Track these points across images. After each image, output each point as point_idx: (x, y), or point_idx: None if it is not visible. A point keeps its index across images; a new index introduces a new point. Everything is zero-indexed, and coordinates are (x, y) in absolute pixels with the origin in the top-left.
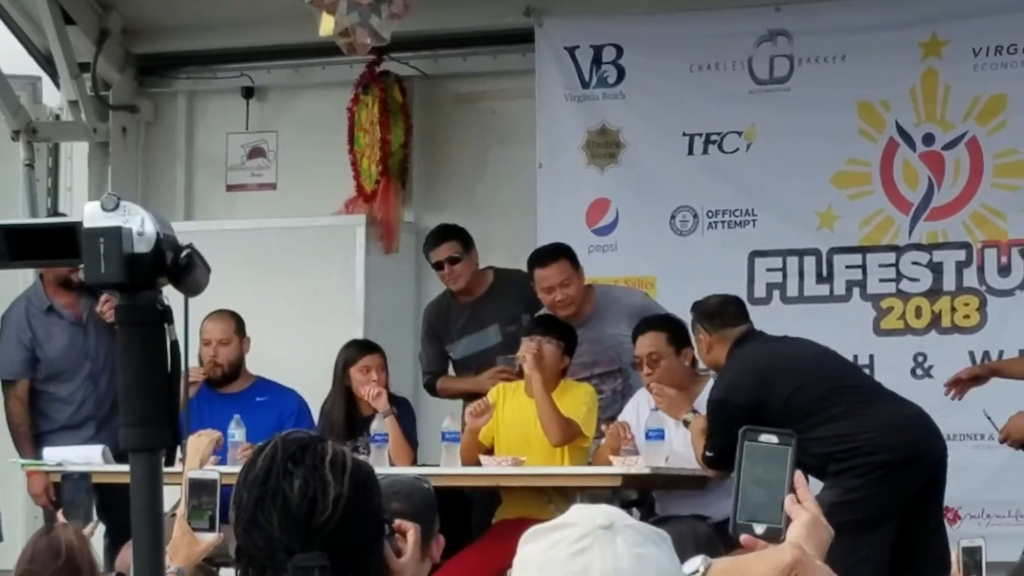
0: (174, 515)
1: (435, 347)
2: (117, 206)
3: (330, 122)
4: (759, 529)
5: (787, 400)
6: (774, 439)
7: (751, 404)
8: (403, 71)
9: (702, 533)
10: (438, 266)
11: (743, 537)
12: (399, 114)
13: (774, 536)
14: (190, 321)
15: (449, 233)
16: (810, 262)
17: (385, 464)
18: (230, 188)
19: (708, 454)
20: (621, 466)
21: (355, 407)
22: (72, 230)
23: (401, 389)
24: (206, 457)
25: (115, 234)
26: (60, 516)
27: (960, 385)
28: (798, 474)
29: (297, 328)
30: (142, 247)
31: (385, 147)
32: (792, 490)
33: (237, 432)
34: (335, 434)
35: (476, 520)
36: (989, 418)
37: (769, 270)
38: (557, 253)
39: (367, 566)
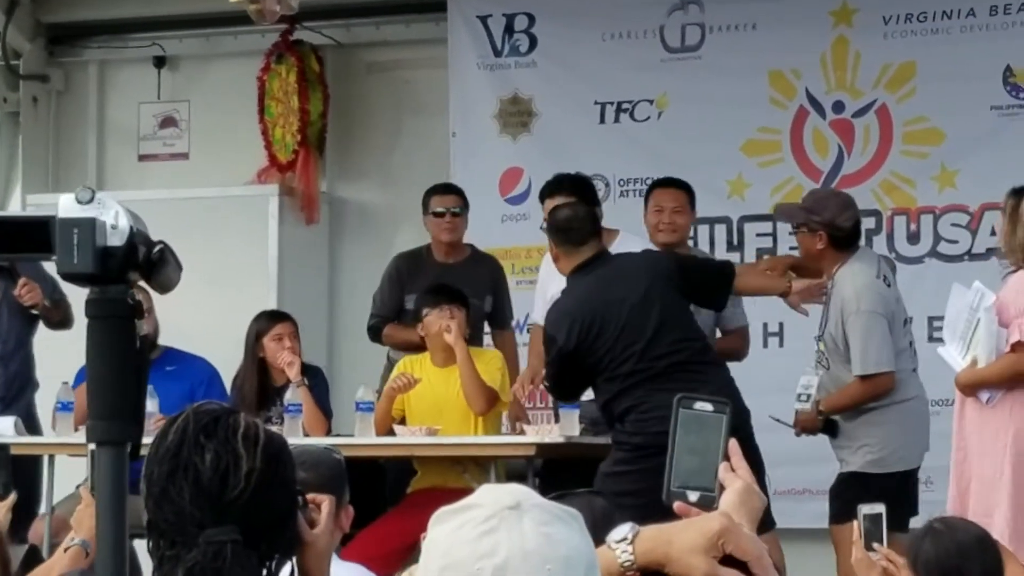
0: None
1: (395, 293)
2: (92, 199)
3: (242, 91)
4: (693, 496)
5: (599, 360)
6: (709, 407)
7: (572, 349)
8: (316, 40)
9: (598, 508)
10: (438, 214)
11: (676, 504)
12: (317, 84)
13: (708, 504)
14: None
15: (452, 187)
16: (721, 230)
17: (299, 434)
18: (142, 158)
19: (545, 383)
20: (535, 435)
21: (268, 378)
22: (45, 224)
23: (315, 359)
24: None
25: (89, 225)
26: None
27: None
28: (732, 442)
29: (210, 299)
30: (115, 240)
31: (304, 117)
32: (726, 458)
33: (149, 403)
34: (247, 405)
35: (390, 491)
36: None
37: None
38: (681, 183)
39: (280, 539)
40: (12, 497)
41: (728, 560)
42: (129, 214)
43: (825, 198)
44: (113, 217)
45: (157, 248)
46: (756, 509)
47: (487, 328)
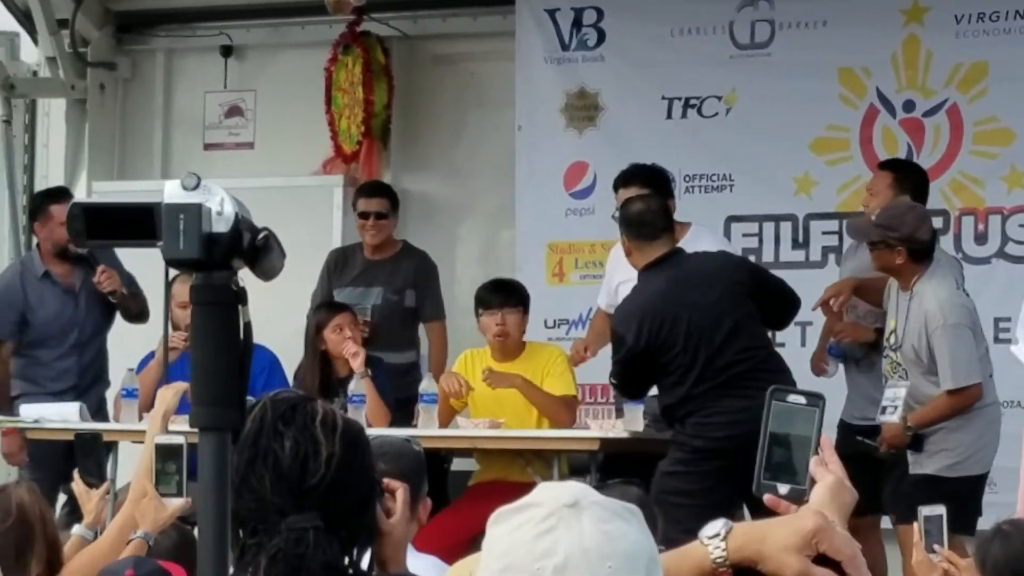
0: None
1: (324, 288)
2: (197, 185)
3: (308, 82)
4: (783, 489)
5: (667, 362)
6: (802, 400)
7: (641, 349)
8: (383, 31)
9: (633, 496)
10: (363, 216)
11: (766, 497)
12: (382, 75)
13: (797, 497)
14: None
15: (380, 190)
16: (786, 228)
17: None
18: (207, 147)
19: (611, 380)
20: (599, 430)
21: (330, 369)
22: (150, 211)
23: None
24: (171, 409)
25: (195, 211)
26: (76, 476)
27: (825, 306)
28: (824, 436)
29: (274, 288)
30: (220, 226)
31: (368, 108)
32: (818, 452)
33: None
34: None
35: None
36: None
37: (745, 235)
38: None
39: (360, 526)
40: (105, 486)
41: (821, 559)
42: (234, 201)
43: (902, 213)
44: (219, 203)
45: (262, 235)
46: (847, 504)
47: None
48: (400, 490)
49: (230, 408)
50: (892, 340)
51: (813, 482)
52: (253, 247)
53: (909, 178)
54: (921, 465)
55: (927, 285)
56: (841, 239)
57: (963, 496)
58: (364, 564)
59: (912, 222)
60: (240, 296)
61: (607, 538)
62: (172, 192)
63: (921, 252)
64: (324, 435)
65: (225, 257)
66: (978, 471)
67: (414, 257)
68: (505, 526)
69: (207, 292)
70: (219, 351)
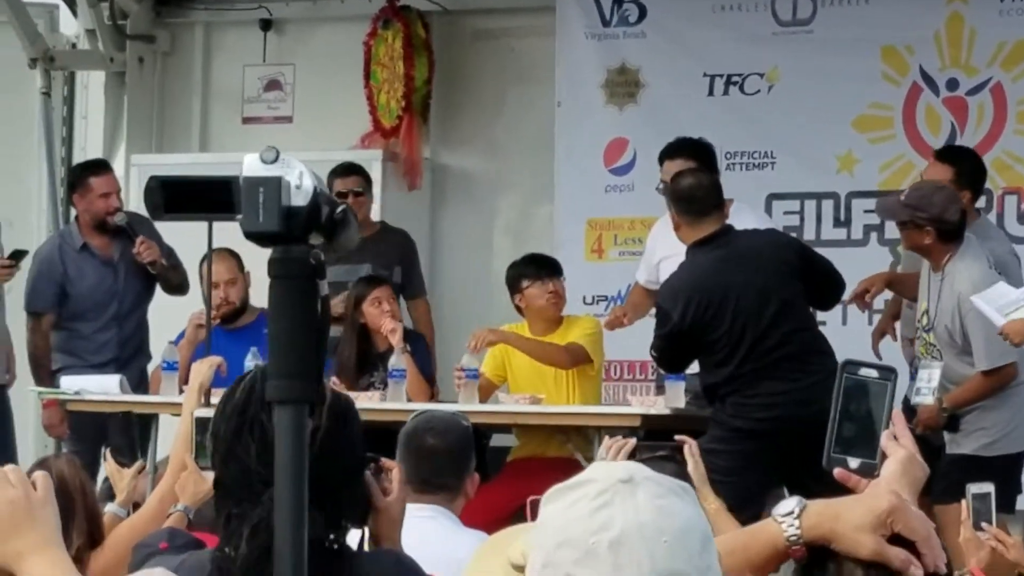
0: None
1: None
2: (276, 158)
3: (348, 56)
4: (853, 463)
5: (712, 341)
6: (874, 374)
7: (687, 327)
8: (423, 6)
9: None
10: (341, 195)
11: (836, 471)
12: (423, 50)
13: (868, 471)
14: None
15: (354, 168)
16: (828, 206)
17: (403, 400)
18: (246, 120)
19: (652, 353)
20: (640, 407)
21: (368, 343)
22: (228, 184)
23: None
24: (207, 383)
25: (275, 185)
26: (107, 455)
27: (859, 299)
28: (896, 410)
29: None
30: (299, 200)
31: (409, 83)
32: (889, 426)
33: (249, 365)
34: (347, 371)
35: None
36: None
37: (786, 213)
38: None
39: (347, 499)
40: (139, 464)
41: (896, 539)
42: (312, 175)
43: (930, 193)
44: (297, 177)
45: (340, 209)
46: (918, 479)
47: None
48: (396, 469)
49: (307, 380)
50: (924, 321)
51: (884, 456)
52: (331, 220)
53: (965, 173)
54: (958, 445)
55: (959, 265)
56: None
57: (1001, 474)
58: (355, 540)
59: (940, 203)
60: (318, 270)
61: (662, 513)
62: (251, 165)
63: (950, 232)
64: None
65: (304, 231)
66: (1016, 449)
67: (398, 235)
68: (560, 503)
69: (285, 266)
70: (296, 324)
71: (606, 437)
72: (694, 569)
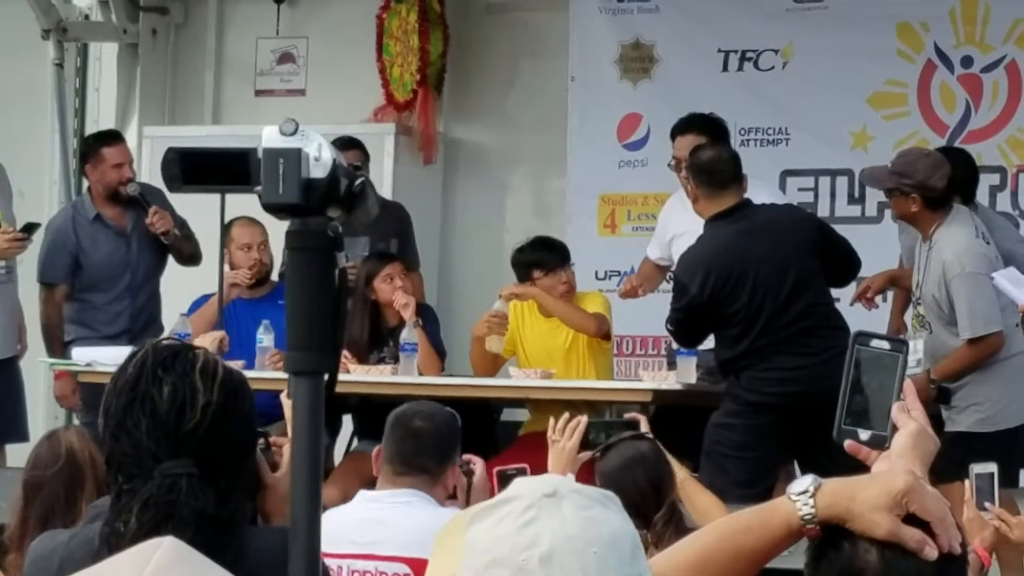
0: None
1: None
2: (296, 130)
3: (361, 29)
4: (864, 435)
5: (729, 315)
6: (886, 345)
7: (704, 301)
8: None
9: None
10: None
11: (847, 443)
12: (437, 24)
13: (879, 444)
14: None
15: (352, 143)
16: (842, 182)
17: (414, 373)
18: (259, 93)
19: (669, 326)
20: (652, 382)
21: (379, 318)
22: (246, 156)
23: (427, 298)
24: None
25: (295, 156)
26: None
27: (864, 299)
28: (907, 382)
29: None
30: (318, 172)
31: (424, 57)
32: (901, 398)
33: (266, 337)
34: (358, 346)
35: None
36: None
37: (801, 189)
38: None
39: (237, 474)
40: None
41: (911, 519)
42: (331, 147)
43: (914, 160)
44: (316, 149)
45: (359, 181)
46: (929, 453)
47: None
48: (286, 445)
49: (324, 352)
50: (918, 293)
51: (895, 429)
52: (350, 193)
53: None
54: (955, 422)
55: (944, 233)
56: None
57: (1001, 450)
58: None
59: (925, 169)
60: (336, 242)
61: (590, 523)
62: (270, 137)
63: (936, 200)
64: (203, 382)
65: (322, 203)
66: (1013, 423)
67: (394, 208)
68: (486, 522)
69: (303, 238)
70: (314, 297)
71: (562, 418)
72: None
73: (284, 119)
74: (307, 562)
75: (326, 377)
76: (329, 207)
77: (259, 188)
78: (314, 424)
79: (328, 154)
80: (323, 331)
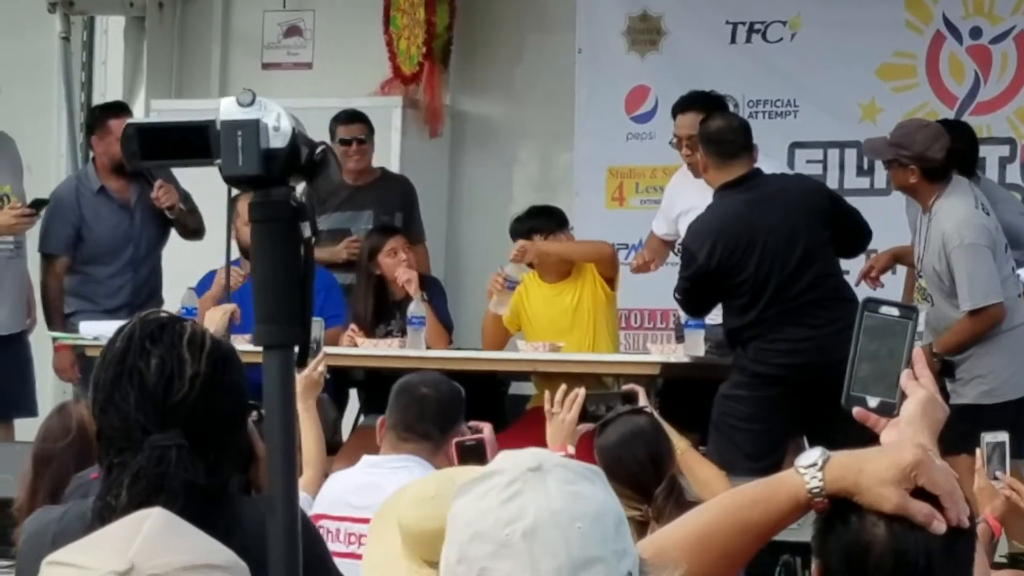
0: None
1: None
2: (253, 101)
3: (367, 2)
4: (872, 402)
5: (737, 284)
6: (895, 312)
7: (712, 269)
8: None
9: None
10: (345, 143)
11: (856, 410)
12: None
13: (888, 411)
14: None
15: (358, 116)
16: (851, 155)
17: (422, 347)
18: (266, 66)
19: (676, 295)
20: (660, 355)
21: (385, 293)
22: (204, 129)
23: (434, 271)
24: (221, 330)
25: (253, 127)
26: None
27: (869, 279)
28: (917, 349)
29: None
30: (278, 142)
31: (430, 29)
32: (910, 365)
33: None
34: (363, 321)
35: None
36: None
37: (809, 162)
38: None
39: (227, 446)
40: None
41: (919, 492)
42: (290, 116)
43: (913, 131)
44: (275, 119)
45: (319, 149)
46: (938, 420)
47: None
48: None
49: (292, 324)
50: (919, 266)
51: (904, 396)
52: (311, 162)
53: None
54: (959, 395)
55: (943, 204)
56: None
57: (1007, 422)
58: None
59: (923, 140)
60: (300, 212)
61: (575, 498)
62: (228, 109)
63: (935, 171)
64: (191, 354)
65: (283, 173)
66: (1018, 395)
67: (398, 181)
68: (470, 495)
69: (266, 209)
70: (279, 268)
71: (559, 390)
72: (610, 553)
73: (242, 90)
74: (286, 533)
75: (296, 350)
76: (291, 177)
77: (219, 161)
78: (286, 398)
79: (287, 123)
80: (291, 303)
